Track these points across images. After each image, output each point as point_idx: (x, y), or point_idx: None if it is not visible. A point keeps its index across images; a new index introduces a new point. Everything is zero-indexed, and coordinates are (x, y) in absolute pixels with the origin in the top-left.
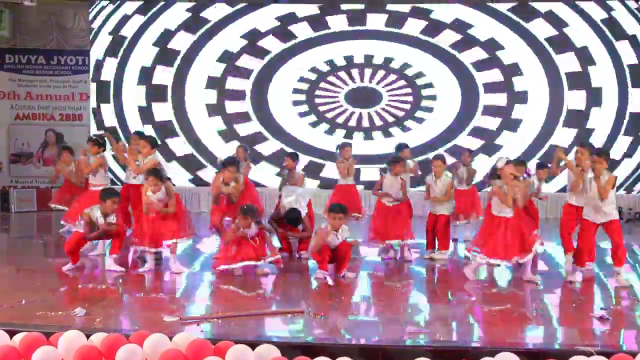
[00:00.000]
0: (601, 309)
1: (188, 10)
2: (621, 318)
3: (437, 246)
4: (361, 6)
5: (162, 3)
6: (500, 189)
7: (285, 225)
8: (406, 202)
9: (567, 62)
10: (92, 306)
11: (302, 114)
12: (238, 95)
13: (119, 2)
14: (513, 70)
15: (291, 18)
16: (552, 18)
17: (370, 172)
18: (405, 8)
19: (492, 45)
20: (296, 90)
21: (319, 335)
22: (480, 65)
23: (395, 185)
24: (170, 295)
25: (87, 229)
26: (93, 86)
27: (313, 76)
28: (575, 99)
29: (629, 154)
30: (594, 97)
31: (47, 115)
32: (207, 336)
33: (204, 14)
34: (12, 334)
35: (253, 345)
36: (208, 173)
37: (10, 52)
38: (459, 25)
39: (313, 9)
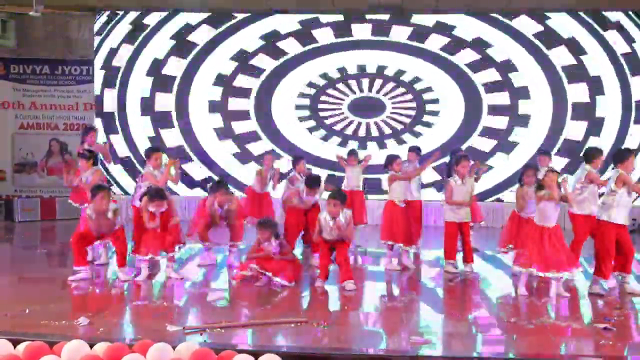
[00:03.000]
0: (605, 319)
1: (172, 37)
2: (625, 328)
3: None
4: (385, 17)
5: (148, 30)
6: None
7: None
8: (417, 206)
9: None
10: (95, 315)
11: (311, 130)
12: (242, 114)
13: (122, 12)
14: (509, 68)
15: (287, 32)
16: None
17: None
18: (405, 18)
19: (483, 45)
20: (299, 106)
21: (322, 345)
22: (476, 66)
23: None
24: (174, 305)
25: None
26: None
27: (312, 91)
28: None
29: None
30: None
31: (51, 125)
32: (210, 346)
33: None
34: (15, 343)
35: (256, 355)
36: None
37: (15, 62)
38: (449, 30)
39: (313, 20)
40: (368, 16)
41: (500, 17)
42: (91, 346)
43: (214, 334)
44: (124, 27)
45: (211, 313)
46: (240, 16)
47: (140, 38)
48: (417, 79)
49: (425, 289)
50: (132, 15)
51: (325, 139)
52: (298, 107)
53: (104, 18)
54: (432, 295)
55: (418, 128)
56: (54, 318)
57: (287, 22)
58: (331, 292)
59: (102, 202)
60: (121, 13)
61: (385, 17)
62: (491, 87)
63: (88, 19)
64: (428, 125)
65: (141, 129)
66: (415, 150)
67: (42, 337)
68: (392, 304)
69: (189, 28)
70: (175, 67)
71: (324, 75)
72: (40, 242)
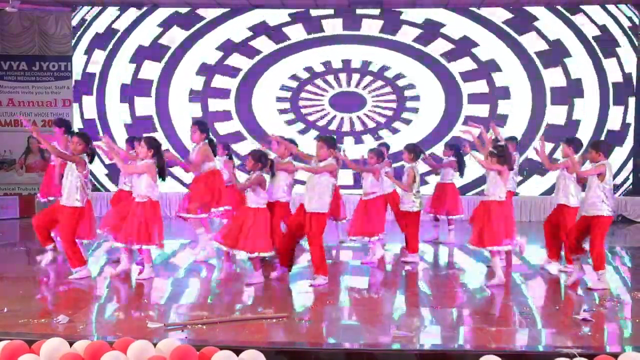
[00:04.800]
0: (584, 310)
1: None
2: (604, 319)
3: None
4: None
5: (140, 13)
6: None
7: None
8: (381, 197)
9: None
10: (75, 313)
11: (289, 122)
12: (224, 115)
13: (101, 7)
14: (492, 68)
15: (271, 24)
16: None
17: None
18: (388, 13)
19: (466, 42)
20: (280, 99)
21: (305, 341)
22: (454, 60)
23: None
24: (154, 301)
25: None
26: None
27: (294, 83)
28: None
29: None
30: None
31: (29, 122)
32: (191, 342)
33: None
34: None
35: (238, 351)
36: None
37: None
38: (431, 25)
39: (295, 15)
40: (359, 11)
41: (476, 10)
42: (71, 344)
43: (195, 331)
44: (101, 23)
45: (192, 309)
46: (209, 17)
47: (111, 44)
48: (400, 75)
49: (404, 283)
50: (110, 10)
51: (303, 132)
52: (279, 100)
53: (82, 12)
54: (414, 289)
55: (397, 123)
56: (32, 316)
57: (258, 19)
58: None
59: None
60: (98, 9)
61: (376, 11)
62: (468, 77)
63: (65, 14)
64: (407, 122)
65: (123, 134)
66: (384, 145)
67: (20, 335)
68: (373, 297)
69: (160, 31)
70: (151, 71)
71: (309, 69)
72: (19, 239)
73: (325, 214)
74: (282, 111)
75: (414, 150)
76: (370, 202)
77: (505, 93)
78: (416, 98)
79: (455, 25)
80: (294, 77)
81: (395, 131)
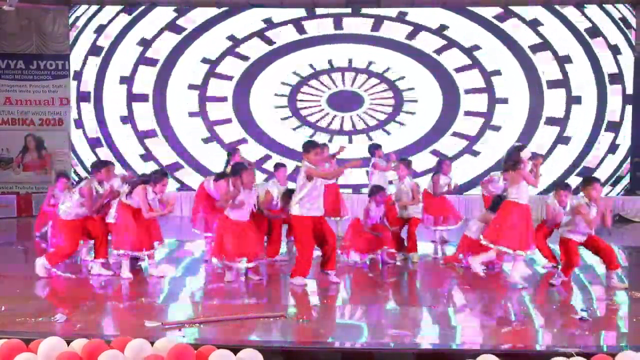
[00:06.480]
0: (582, 310)
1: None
2: (602, 319)
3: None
4: (339, 10)
5: (137, 12)
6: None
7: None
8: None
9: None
10: (72, 312)
11: (284, 118)
12: (224, 121)
13: (98, 6)
14: (493, 72)
15: (271, 23)
16: (529, 20)
17: (354, 175)
18: (387, 12)
19: (471, 48)
20: (277, 95)
21: (303, 340)
22: (460, 67)
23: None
24: (152, 300)
25: (89, 203)
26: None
27: (294, 80)
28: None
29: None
30: (574, 98)
31: (26, 120)
32: (189, 341)
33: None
34: None
35: (235, 350)
36: (191, 178)
37: None
38: (440, 29)
39: (293, 14)
40: (369, 10)
41: (475, 10)
42: (68, 343)
43: (193, 330)
44: (99, 21)
45: (190, 309)
46: (198, 20)
47: (104, 52)
48: (398, 74)
49: (403, 282)
50: (108, 9)
51: (296, 129)
52: (277, 95)
53: (79, 12)
54: (411, 288)
55: (400, 118)
56: (30, 315)
57: (250, 21)
58: (310, 286)
59: (107, 173)
60: (95, 8)
61: (394, 12)
62: (461, 69)
63: (63, 12)
64: (400, 124)
65: (125, 139)
66: (376, 146)
67: (18, 334)
68: (371, 297)
69: (152, 36)
70: (146, 78)
71: (308, 67)
72: (17, 238)
73: None
74: (279, 107)
75: (410, 165)
76: None
77: (502, 96)
78: (413, 100)
79: (443, 18)
80: (293, 74)
81: (387, 132)
